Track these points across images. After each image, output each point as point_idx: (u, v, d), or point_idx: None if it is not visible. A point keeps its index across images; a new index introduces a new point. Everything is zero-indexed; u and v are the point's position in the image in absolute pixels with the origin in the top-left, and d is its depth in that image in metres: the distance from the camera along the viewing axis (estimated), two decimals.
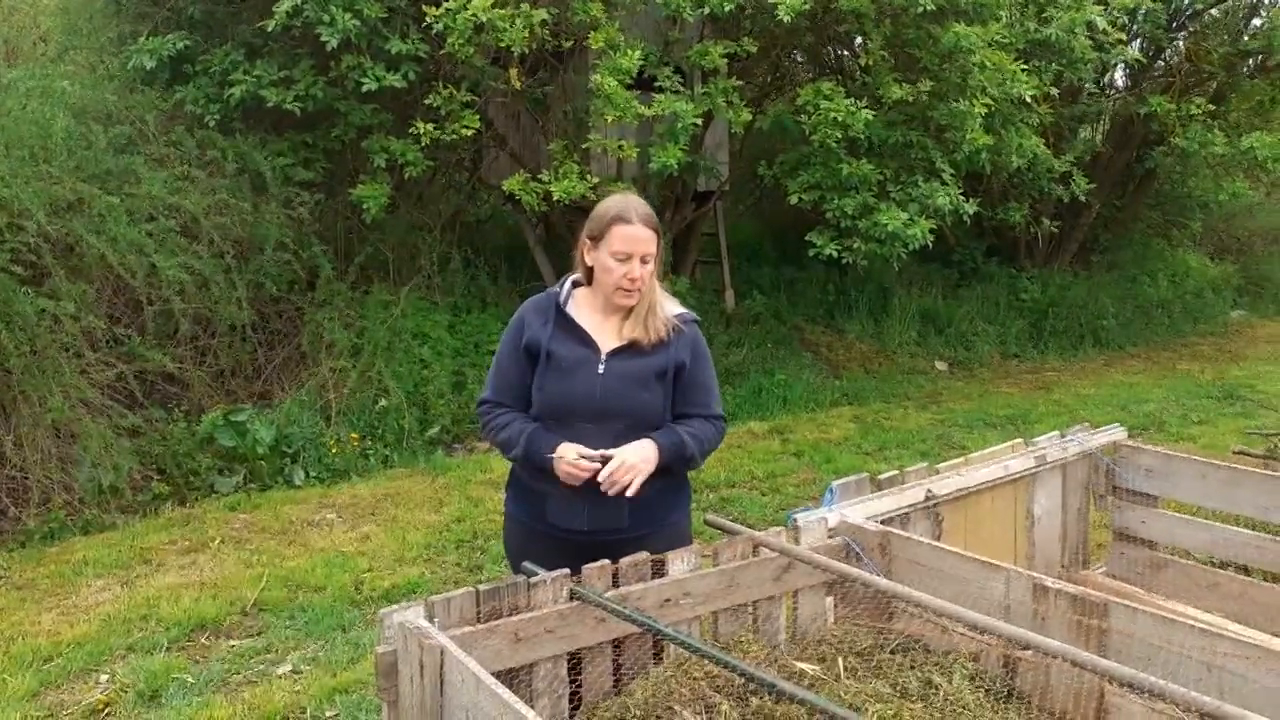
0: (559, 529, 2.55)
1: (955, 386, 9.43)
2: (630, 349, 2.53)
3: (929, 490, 3.22)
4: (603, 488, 2.41)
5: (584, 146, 7.22)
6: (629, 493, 2.41)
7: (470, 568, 4.92)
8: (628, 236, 2.49)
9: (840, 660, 2.45)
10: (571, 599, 2.40)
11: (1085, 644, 2.28)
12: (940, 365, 10.17)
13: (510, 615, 2.32)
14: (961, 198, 7.71)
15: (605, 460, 2.40)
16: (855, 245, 7.52)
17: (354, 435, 6.75)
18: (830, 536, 2.86)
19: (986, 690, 2.37)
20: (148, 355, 6.22)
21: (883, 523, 2.95)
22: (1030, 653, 2.32)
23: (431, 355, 7.53)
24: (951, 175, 7.80)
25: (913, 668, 2.43)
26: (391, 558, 5.02)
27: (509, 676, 2.25)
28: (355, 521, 5.57)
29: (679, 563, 2.60)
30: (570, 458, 2.41)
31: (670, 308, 2.61)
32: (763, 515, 5.62)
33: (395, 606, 2.25)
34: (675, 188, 9.06)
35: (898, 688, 2.34)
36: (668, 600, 2.50)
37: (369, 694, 3.51)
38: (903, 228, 7.22)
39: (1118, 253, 12.89)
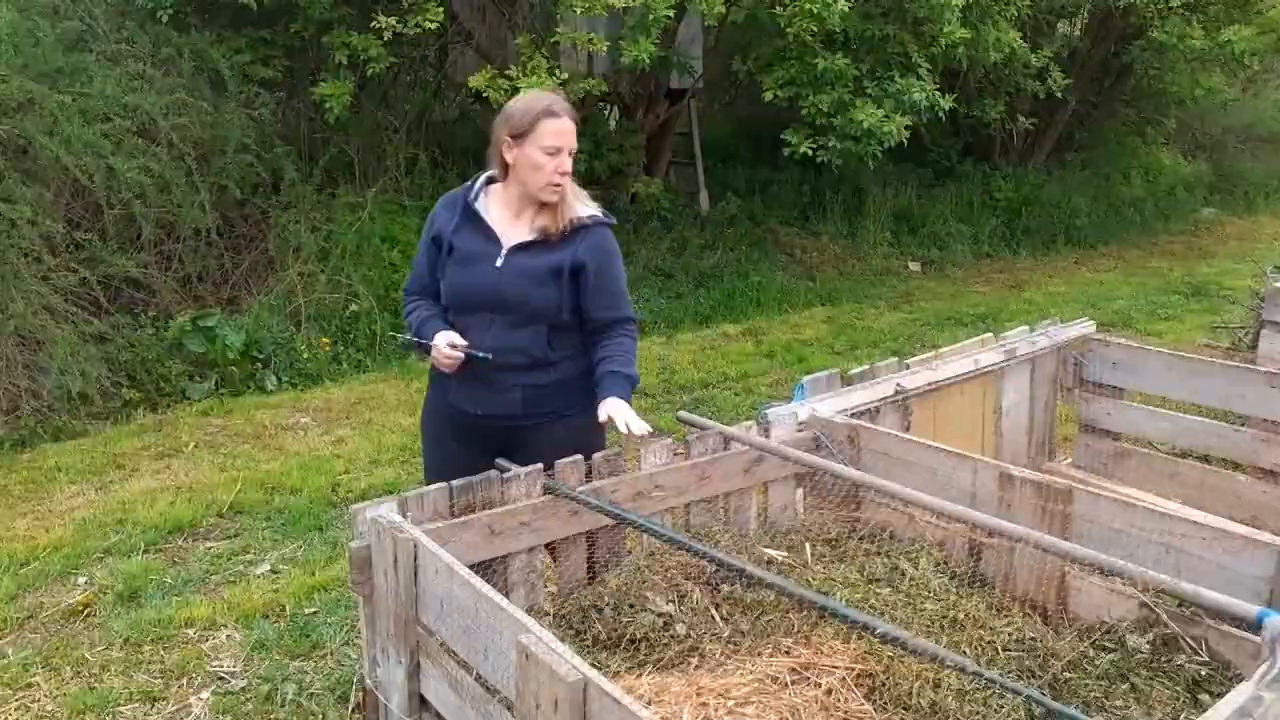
0: (458, 410, 2.66)
1: (928, 286, 9.46)
2: (533, 246, 2.56)
3: (898, 384, 3.25)
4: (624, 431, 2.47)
5: (552, 41, 7.02)
6: (636, 429, 2.45)
7: None
8: (558, 131, 2.50)
9: (809, 547, 2.50)
10: (545, 493, 2.42)
11: (1049, 529, 2.33)
12: (913, 265, 10.18)
13: (484, 510, 2.34)
14: (938, 94, 7.60)
15: (474, 352, 2.53)
16: (830, 144, 7.42)
17: (325, 340, 6.69)
18: (800, 430, 2.88)
19: (952, 575, 2.43)
20: (111, 260, 6.09)
21: (852, 416, 2.97)
22: (995, 538, 2.37)
23: (401, 259, 7.42)
24: (928, 70, 7.67)
25: (880, 555, 2.49)
26: (367, 460, 5.04)
27: (484, 569, 2.28)
28: (329, 425, 5.57)
29: (651, 457, 2.63)
30: (442, 346, 2.53)
31: (581, 209, 2.61)
32: (736, 414, 5.67)
33: (368, 503, 2.26)
34: (648, 84, 8.87)
35: (865, 573, 2.39)
36: (640, 493, 2.54)
37: (348, 591, 3.56)
38: (878, 125, 7.13)
39: (1092, 150, 12.84)
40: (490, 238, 2.58)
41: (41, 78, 6.11)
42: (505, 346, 2.54)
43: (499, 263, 2.55)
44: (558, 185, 2.53)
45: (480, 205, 2.62)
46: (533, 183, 2.53)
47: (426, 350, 2.61)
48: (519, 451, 2.54)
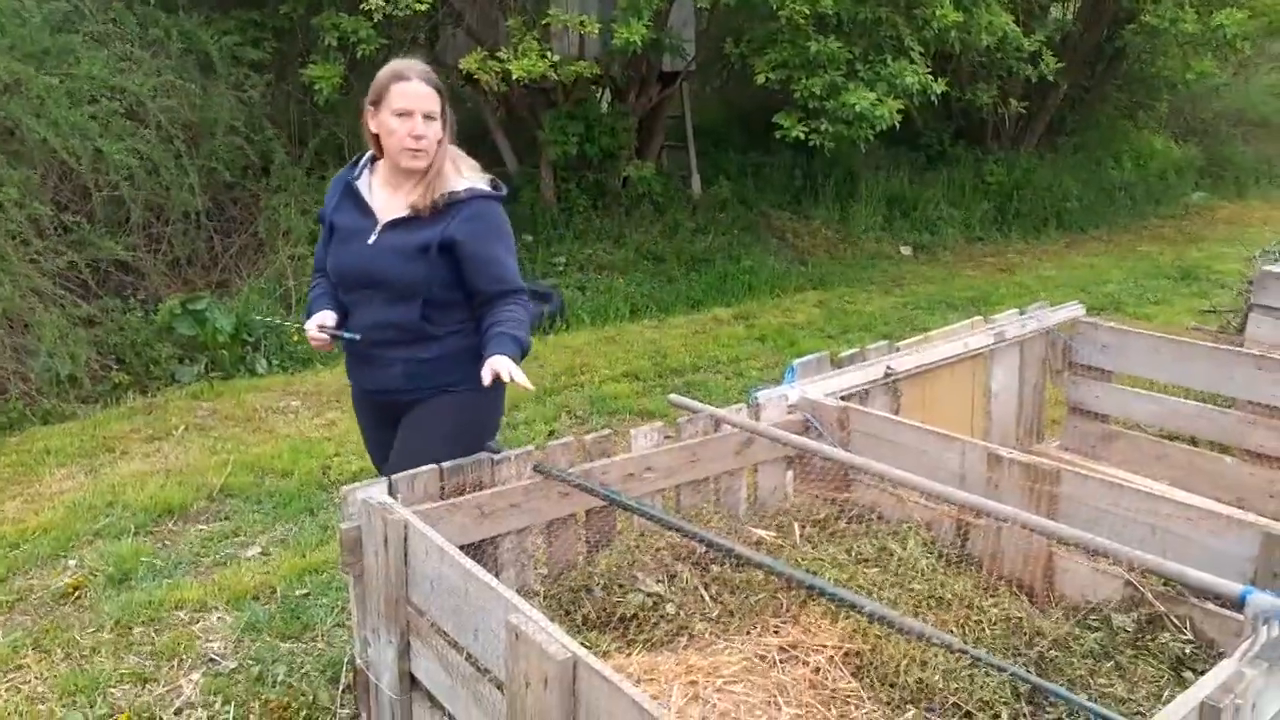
0: (355, 386, 2.76)
1: (919, 270, 9.47)
2: (408, 222, 2.54)
3: (888, 367, 3.26)
4: (499, 376, 2.39)
5: (543, 22, 6.99)
6: (520, 380, 2.37)
7: None
8: (406, 93, 2.49)
9: (798, 528, 2.51)
10: (536, 474, 2.43)
11: (1037, 509, 2.35)
12: (905, 250, 10.18)
13: (474, 491, 2.35)
14: (930, 77, 7.59)
15: (339, 333, 2.56)
16: (822, 127, 7.41)
17: None
18: (790, 412, 2.89)
19: (940, 555, 2.45)
20: (99, 244, 6.06)
21: (842, 398, 2.98)
22: (983, 519, 2.39)
23: None
24: (920, 54, 7.66)
25: (868, 535, 2.50)
26: (357, 442, 5.01)
27: (474, 550, 2.29)
28: (320, 409, 5.56)
29: (642, 439, 2.63)
30: (310, 329, 2.57)
31: (462, 181, 2.58)
32: (727, 398, 5.68)
33: (358, 484, 2.26)
34: (640, 67, 8.83)
35: (853, 554, 2.41)
36: (630, 475, 2.54)
37: (338, 573, 3.56)
38: (870, 108, 7.12)
39: (1084, 134, 12.85)
40: (367, 214, 2.58)
41: (28, 59, 6.06)
42: (383, 322, 2.54)
43: (371, 240, 2.54)
44: (415, 150, 2.50)
45: (362, 183, 2.62)
46: (390, 149, 2.52)
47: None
48: (403, 418, 2.63)
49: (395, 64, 2.57)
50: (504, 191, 2.70)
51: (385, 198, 2.59)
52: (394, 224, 2.54)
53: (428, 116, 2.49)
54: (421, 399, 2.60)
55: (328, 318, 2.58)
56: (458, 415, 2.59)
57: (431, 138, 2.50)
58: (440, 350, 2.58)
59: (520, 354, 2.48)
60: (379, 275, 2.53)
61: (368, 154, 2.66)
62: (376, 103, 2.51)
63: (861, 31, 7.64)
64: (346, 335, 2.54)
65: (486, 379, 2.39)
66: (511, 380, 2.37)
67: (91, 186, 6.06)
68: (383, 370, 2.60)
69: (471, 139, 9.48)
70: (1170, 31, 9.88)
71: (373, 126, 2.55)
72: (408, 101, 2.48)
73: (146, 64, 6.61)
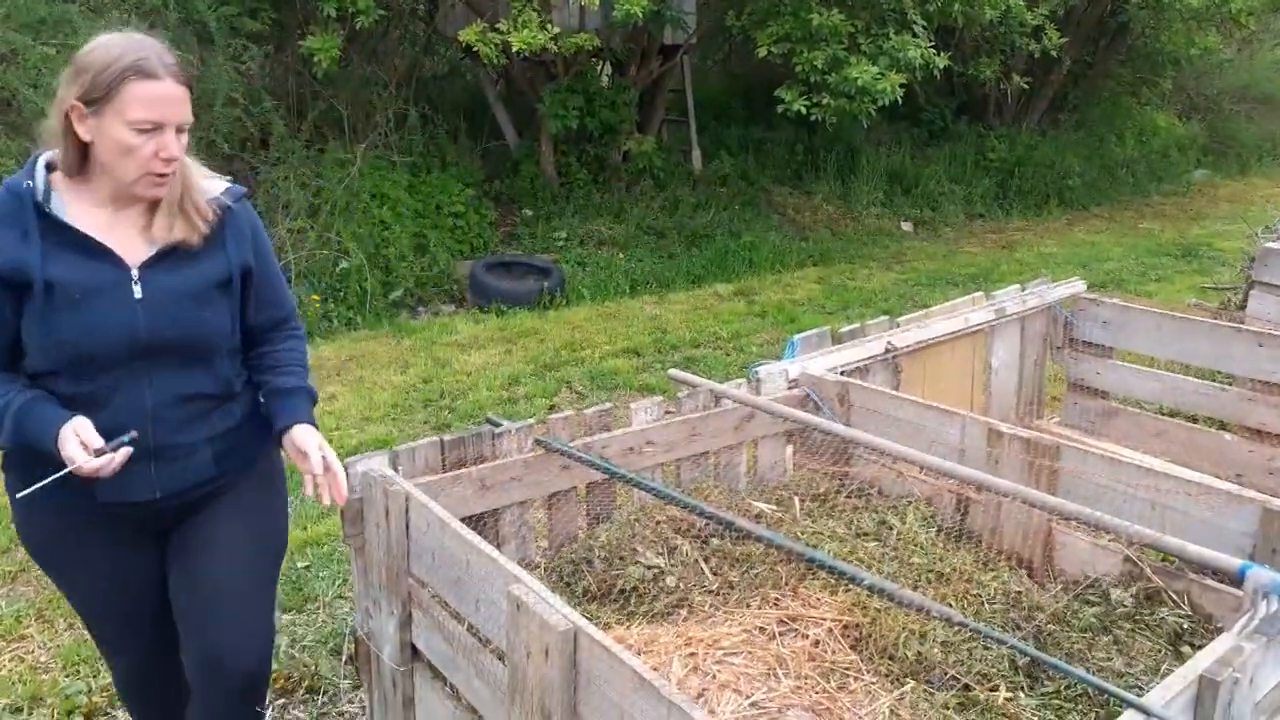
0: (118, 504, 1.86)
1: (920, 246, 9.45)
2: (176, 255, 1.84)
3: (889, 342, 3.26)
4: (335, 500, 1.93)
5: None
6: (337, 469, 1.93)
7: (438, 426, 4.96)
8: (154, 98, 1.72)
9: (798, 503, 2.52)
10: (537, 448, 2.43)
11: (1037, 485, 2.35)
12: (906, 226, 10.16)
13: (475, 464, 2.35)
14: (933, 52, 7.54)
15: (120, 442, 1.73)
16: (824, 101, 7.36)
17: (315, 297, 6.67)
18: (790, 388, 2.89)
19: (939, 530, 2.46)
20: None
21: (843, 374, 2.98)
22: (982, 494, 2.39)
23: (391, 216, 7.38)
24: (923, 27, 7.60)
25: (868, 510, 2.51)
26: (359, 417, 5.04)
27: (476, 523, 2.29)
28: (320, 382, 5.56)
29: (643, 414, 2.63)
30: (79, 459, 1.68)
31: (210, 185, 1.93)
32: (727, 374, 5.68)
33: (360, 456, 2.26)
34: (641, 40, 8.77)
35: (853, 528, 2.41)
36: (631, 449, 2.55)
37: (340, 545, 3.58)
38: (872, 82, 7.07)
39: (1086, 111, 12.78)
40: (104, 256, 1.79)
41: (24, 29, 6.01)
42: (177, 397, 1.85)
43: (137, 293, 1.79)
44: (162, 177, 1.78)
45: (56, 208, 1.77)
46: (121, 173, 1.75)
47: (62, 477, 1.71)
48: (193, 529, 1.97)
49: (129, 46, 1.73)
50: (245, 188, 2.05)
51: (104, 225, 1.80)
52: (156, 263, 1.82)
53: (180, 129, 1.77)
54: (230, 484, 1.99)
55: (86, 431, 1.71)
56: (258, 500, 2.06)
57: (180, 155, 1.79)
58: (243, 410, 1.99)
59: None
60: (171, 337, 1.82)
61: (40, 159, 1.80)
62: (95, 101, 1.71)
63: (864, 4, 7.58)
64: (127, 440, 1.73)
65: (317, 468, 1.89)
66: (328, 473, 1.91)
67: None
68: (178, 465, 1.88)
69: (471, 113, 9.46)
70: (1175, 6, 9.81)
71: (83, 133, 1.73)
72: (157, 112, 1.73)
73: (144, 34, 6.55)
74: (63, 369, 1.78)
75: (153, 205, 1.83)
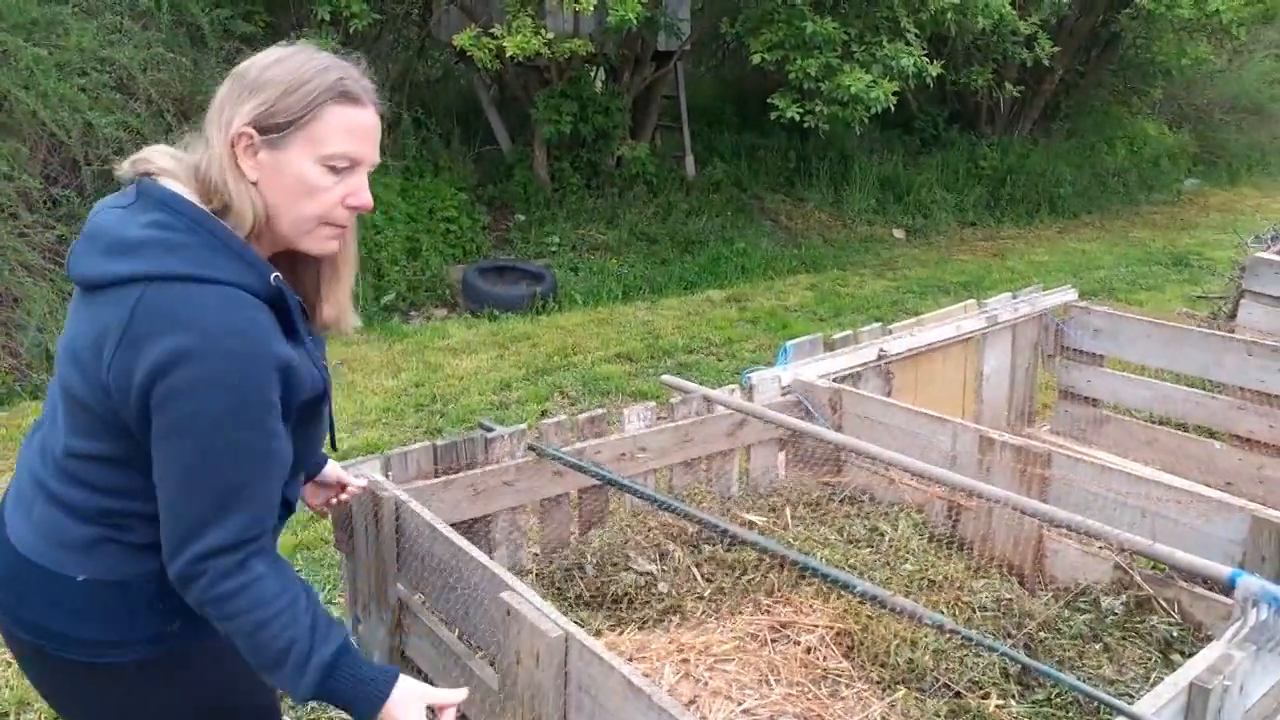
0: None
1: (912, 254, 9.47)
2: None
3: (881, 349, 3.26)
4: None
5: None
6: None
7: (430, 430, 4.95)
8: (358, 129, 1.38)
9: (789, 509, 2.52)
10: (529, 453, 2.43)
11: (1028, 492, 2.36)
12: (898, 233, 10.19)
13: (467, 469, 2.35)
14: (926, 60, 7.57)
15: None
16: (817, 108, 7.39)
17: None
18: (783, 394, 2.90)
19: (931, 537, 2.46)
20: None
21: (835, 380, 2.99)
22: (973, 501, 2.40)
23: (384, 221, 7.37)
24: (916, 36, 7.63)
25: (860, 516, 2.51)
26: (350, 421, 5.02)
27: (467, 528, 2.29)
28: None
29: (635, 419, 2.63)
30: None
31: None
32: (719, 380, 5.68)
33: (351, 461, 2.25)
34: (635, 46, 8.79)
35: (845, 535, 2.42)
36: (623, 455, 2.55)
37: (331, 550, 3.56)
38: (865, 90, 7.10)
39: (1078, 120, 12.85)
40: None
41: (16, 29, 5.99)
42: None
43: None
44: (341, 229, 1.42)
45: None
46: (294, 219, 1.38)
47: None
48: None
49: (316, 60, 1.38)
50: None
51: None
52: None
53: (371, 167, 1.42)
54: None
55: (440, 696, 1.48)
56: None
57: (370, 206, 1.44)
58: None
59: None
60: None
61: (186, 203, 1.33)
62: (278, 128, 1.33)
63: (858, 12, 7.61)
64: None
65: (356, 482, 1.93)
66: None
67: (81, 160, 6.00)
68: None
69: (465, 117, 9.46)
70: (1166, 16, 9.86)
71: (249, 169, 1.34)
72: (356, 146, 1.37)
73: (137, 36, 6.53)
74: (305, 472, 1.55)
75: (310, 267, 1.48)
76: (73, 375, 1.36)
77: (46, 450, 1.44)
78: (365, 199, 1.40)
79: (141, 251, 1.29)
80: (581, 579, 2.25)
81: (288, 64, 1.37)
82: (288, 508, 1.53)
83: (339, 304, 1.54)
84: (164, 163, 1.37)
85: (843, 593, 2.02)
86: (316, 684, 1.35)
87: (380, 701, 1.39)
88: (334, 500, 1.89)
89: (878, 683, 1.88)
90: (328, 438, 1.62)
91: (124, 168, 1.39)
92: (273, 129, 1.34)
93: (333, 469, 1.88)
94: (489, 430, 2.43)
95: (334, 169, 1.36)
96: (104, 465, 1.37)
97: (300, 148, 1.35)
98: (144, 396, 1.27)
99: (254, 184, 1.35)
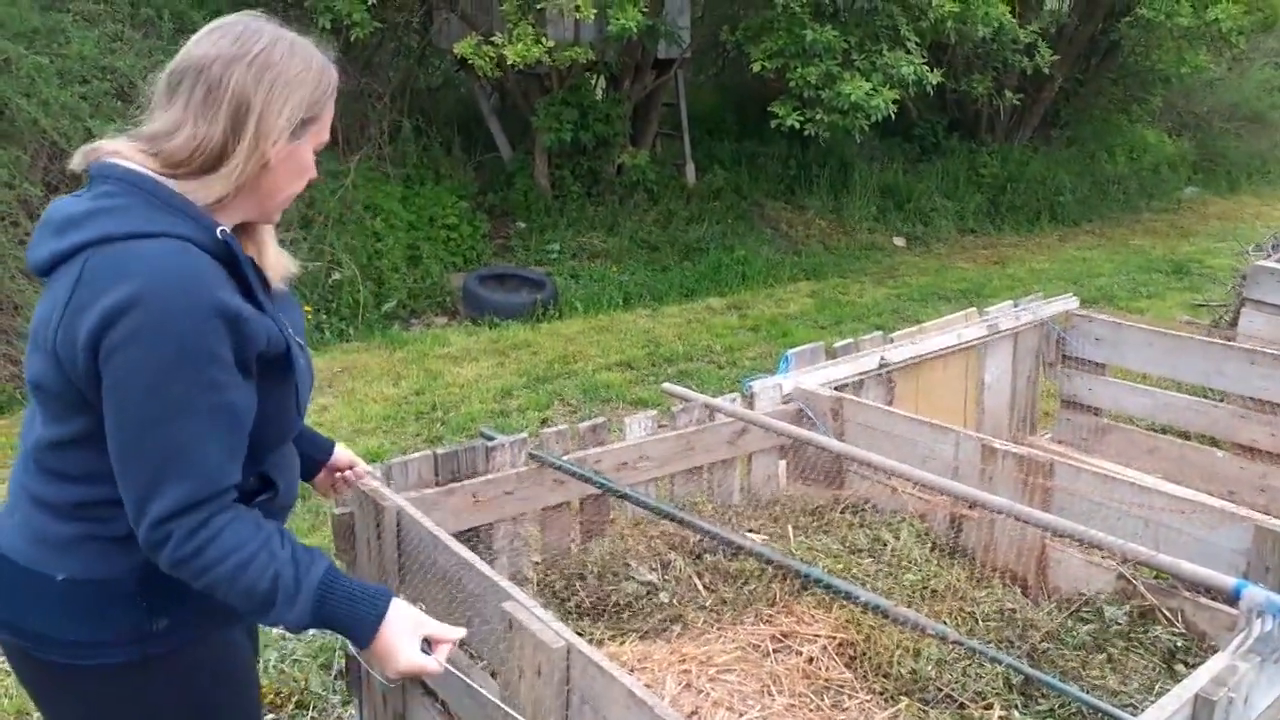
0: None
1: (912, 262, 9.47)
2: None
3: (882, 357, 3.26)
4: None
5: (539, 6, 6.94)
6: None
7: (430, 438, 4.94)
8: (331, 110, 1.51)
9: (791, 519, 2.51)
10: (530, 461, 2.42)
11: (1030, 502, 2.35)
12: (898, 241, 10.19)
13: (469, 478, 2.34)
14: (926, 68, 7.58)
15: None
16: (818, 116, 7.39)
17: (308, 308, 6.65)
18: (784, 402, 2.89)
19: (933, 546, 2.45)
20: None
21: (836, 389, 2.98)
22: (976, 510, 2.39)
23: (384, 228, 7.38)
24: (916, 44, 7.64)
25: (862, 526, 2.50)
26: (350, 429, 5.02)
27: (468, 537, 2.28)
28: (313, 393, 5.54)
29: (636, 427, 2.63)
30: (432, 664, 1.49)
31: None
32: (720, 387, 5.68)
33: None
34: (635, 54, 8.80)
35: (847, 544, 2.41)
36: (624, 463, 2.54)
37: (331, 558, 3.55)
38: (865, 98, 7.10)
39: (1078, 128, 12.86)
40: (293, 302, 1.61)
41: (18, 38, 6.00)
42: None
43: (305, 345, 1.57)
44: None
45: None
46: (283, 198, 1.47)
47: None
48: None
49: (313, 51, 1.47)
50: None
51: None
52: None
53: None
54: None
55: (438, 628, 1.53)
56: None
57: None
58: None
59: None
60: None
61: (161, 185, 1.35)
62: (308, 124, 1.43)
63: (858, 20, 7.63)
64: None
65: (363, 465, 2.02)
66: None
67: None
68: None
69: (465, 125, 9.46)
70: (1165, 25, 9.87)
71: (273, 157, 1.38)
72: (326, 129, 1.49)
73: (138, 44, 6.54)
74: (276, 443, 1.52)
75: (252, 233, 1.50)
76: (34, 361, 1.37)
77: (27, 453, 1.46)
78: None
79: (85, 223, 1.31)
80: (583, 588, 2.24)
81: (301, 55, 1.43)
82: (267, 483, 1.51)
83: (277, 257, 1.54)
84: (111, 145, 1.40)
85: (845, 602, 2.01)
86: (313, 609, 1.37)
87: (378, 619, 1.41)
88: (340, 477, 1.93)
89: (880, 693, 1.87)
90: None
91: (75, 159, 1.41)
92: (299, 124, 1.41)
93: (342, 451, 1.93)
94: (490, 438, 2.42)
95: (317, 151, 1.47)
96: (73, 450, 1.37)
97: (311, 138, 1.45)
98: (92, 356, 1.27)
99: (269, 169, 1.39)
